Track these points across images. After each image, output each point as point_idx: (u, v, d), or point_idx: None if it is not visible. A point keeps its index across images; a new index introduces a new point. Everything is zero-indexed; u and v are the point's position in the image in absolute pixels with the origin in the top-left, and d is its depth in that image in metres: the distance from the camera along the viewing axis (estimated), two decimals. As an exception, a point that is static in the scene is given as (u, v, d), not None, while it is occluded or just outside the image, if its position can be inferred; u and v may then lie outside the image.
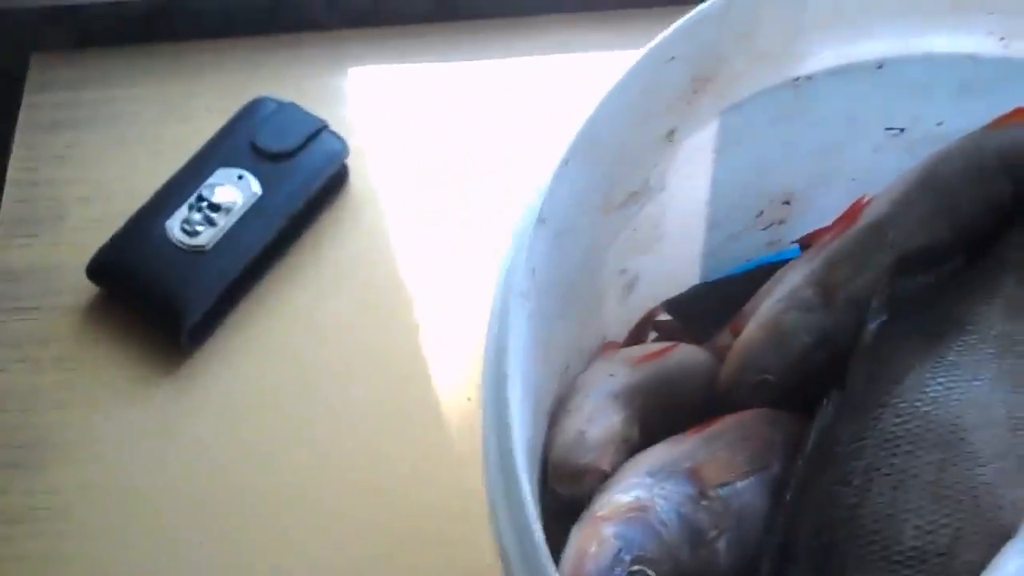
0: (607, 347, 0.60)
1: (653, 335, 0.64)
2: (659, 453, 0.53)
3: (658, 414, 0.57)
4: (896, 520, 0.50)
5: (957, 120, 0.58)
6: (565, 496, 0.51)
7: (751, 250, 0.64)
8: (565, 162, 0.45)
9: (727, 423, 0.56)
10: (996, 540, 0.49)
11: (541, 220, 0.43)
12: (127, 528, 0.71)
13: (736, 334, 0.60)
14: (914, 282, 0.57)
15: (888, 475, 0.51)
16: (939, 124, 0.59)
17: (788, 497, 0.52)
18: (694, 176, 0.57)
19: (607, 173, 0.49)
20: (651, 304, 0.62)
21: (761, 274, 0.62)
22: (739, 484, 0.53)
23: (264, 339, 0.77)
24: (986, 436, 0.51)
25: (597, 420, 0.53)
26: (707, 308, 0.64)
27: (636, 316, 0.62)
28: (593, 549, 0.48)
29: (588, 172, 0.47)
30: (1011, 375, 0.53)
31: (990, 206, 0.57)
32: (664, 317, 0.64)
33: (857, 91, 0.57)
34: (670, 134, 0.52)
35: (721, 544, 0.51)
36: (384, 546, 0.70)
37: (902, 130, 0.60)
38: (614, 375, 0.56)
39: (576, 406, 0.54)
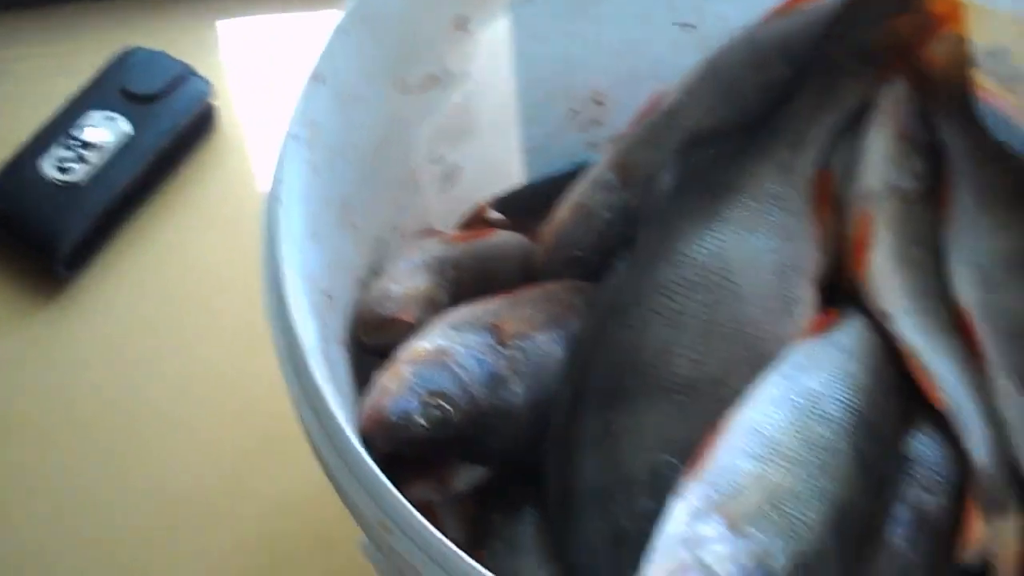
0: (428, 233, 0.65)
1: (487, 230, 0.69)
2: (464, 310, 0.58)
3: (472, 288, 0.62)
4: (671, 355, 0.55)
5: (738, 14, 0.64)
6: (371, 347, 0.56)
7: (572, 150, 0.70)
8: (342, 30, 0.50)
9: (534, 290, 0.61)
10: (758, 369, 0.54)
11: (317, 76, 0.49)
12: (9, 450, 0.75)
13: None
14: (700, 155, 0.63)
15: (664, 316, 0.56)
16: (722, 19, 0.65)
17: (579, 345, 0.57)
18: (498, 69, 0.62)
19: (394, 50, 0.54)
20: (476, 198, 0.67)
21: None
22: (538, 336, 0.57)
23: (137, 271, 0.82)
24: (754, 280, 0.57)
25: (404, 280, 0.58)
26: (533, 206, 0.69)
27: (462, 209, 0.66)
28: (392, 386, 0.52)
29: (371, 45, 0.52)
30: (780, 227, 0.59)
31: (770, 88, 0.63)
32: (494, 215, 0.69)
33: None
34: (462, 22, 0.57)
35: (518, 388, 0.55)
36: (247, 458, 0.74)
37: (693, 26, 0.66)
38: (426, 249, 0.61)
39: (387, 271, 0.59)
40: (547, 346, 0.58)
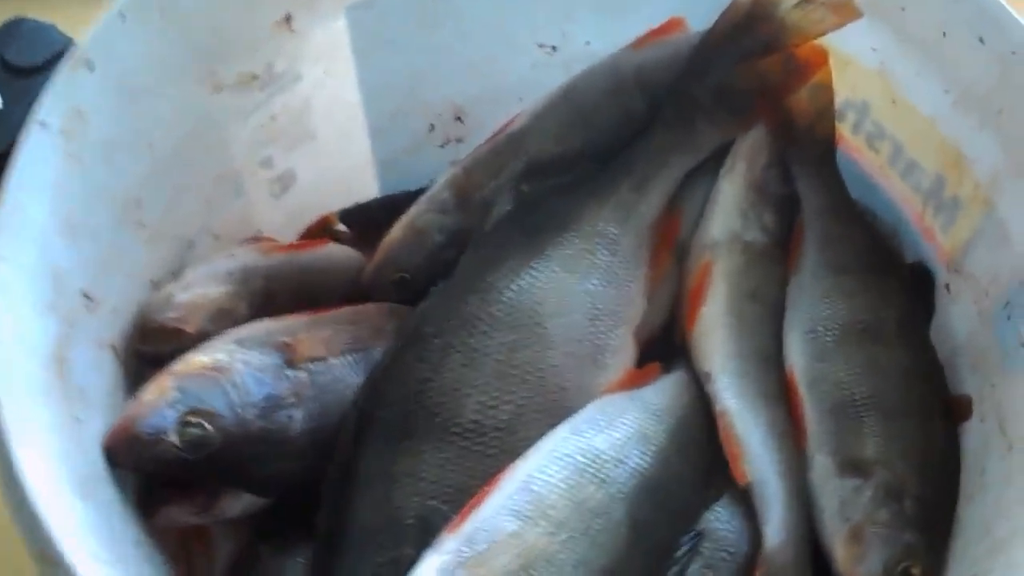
0: (255, 239, 0.61)
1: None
2: (258, 325, 0.54)
3: (288, 301, 0.58)
4: (461, 395, 0.51)
5: (603, 41, 0.60)
6: (147, 354, 0.53)
7: (433, 167, 0.66)
8: (120, 16, 0.47)
9: (344, 310, 0.57)
10: (556, 420, 0.50)
11: (82, 63, 0.45)
12: None
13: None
14: (542, 185, 0.59)
15: (460, 352, 0.52)
16: (587, 44, 0.62)
17: (375, 371, 0.53)
18: (337, 74, 0.59)
19: (199, 43, 0.51)
20: (316, 209, 0.64)
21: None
22: (331, 360, 0.54)
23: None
24: (563, 323, 0.53)
25: (193, 287, 0.54)
26: (383, 221, 0.65)
27: (299, 218, 0.63)
28: (150, 397, 0.49)
29: (165, 35, 0.49)
30: (605, 270, 0.55)
31: (625, 120, 0.59)
32: (340, 227, 0.66)
33: (502, 2, 0.59)
34: (286, 20, 0.54)
35: (299, 413, 0.52)
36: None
37: (554, 48, 0.62)
38: (235, 255, 0.57)
39: (183, 276, 0.55)
40: (341, 371, 0.54)
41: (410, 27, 0.59)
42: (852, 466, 0.51)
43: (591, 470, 0.48)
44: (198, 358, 0.51)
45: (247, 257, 0.58)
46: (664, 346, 0.57)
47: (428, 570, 0.45)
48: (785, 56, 0.57)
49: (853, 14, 0.54)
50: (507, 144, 0.60)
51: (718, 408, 0.52)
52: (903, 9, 0.53)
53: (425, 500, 0.49)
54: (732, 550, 0.50)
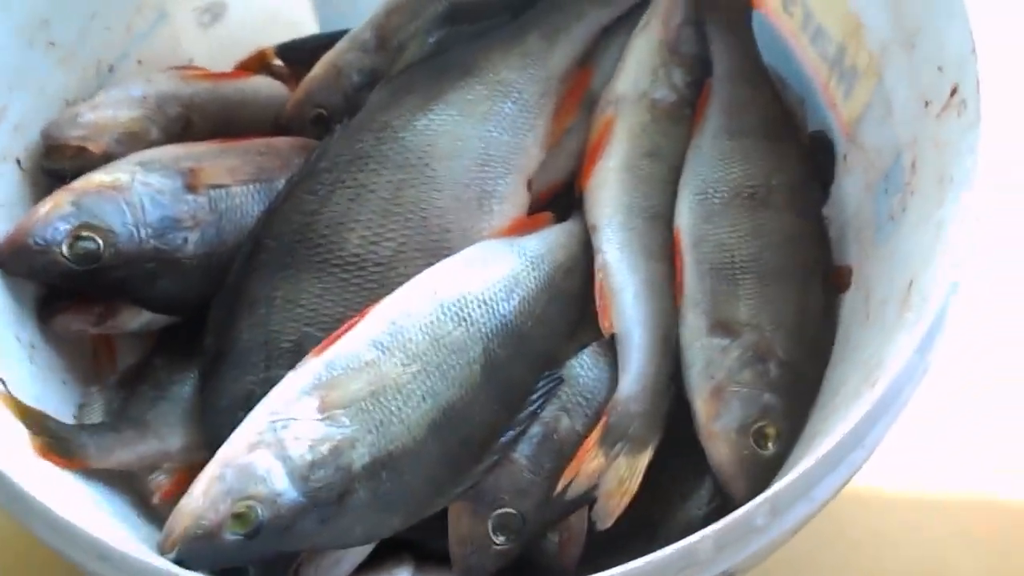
0: (186, 68, 0.62)
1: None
2: (166, 149, 0.56)
3: (206, 129, 0.59)
4: (345, 228, 0.53)
5: None
6: (51, 172, 0.54)
7: (370, 7, 0.66)
8: None
9: (255, 141, 0.58)
10: (436, 260, 0.52)
11: None
12: None
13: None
14: (457, 31, 0.59)
15: (349, 187, 0.53)
16: None
17: (273, 203, 0.55)
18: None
19: None
20: (251, 43, 0.64)
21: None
22: (233, 188, 0.55)
23: None
24: (452, 166, 0.54)
25: (103, 108, 0.56)
26: (319, 57, 0.66)
27: (231, 51, 0.64)
28: (45, 209, 0.51)
29: None
30: (503, 118, 0.55)
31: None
32: (277, 62, 0.66)
33: None
34: None
35: (194, 236, 0.53)
36: None
37: None
38: (152, 80, 0.59)
39: (95, 97, 0.57)
40: (242, 200, 0.56)
41: None
42: (722, 326, 0.52)
43: (454, 308, 0.50)
44: (98, 176, 0.53)
45: (166, 83, 0.59)
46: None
47: (285, 389, 0.47)
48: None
49: None
50: (427, -15, 0.60)
51: (598, 259, 0.53)
52: None
53: (302, 326, 0.51)
54: (589, 396, 0.51)
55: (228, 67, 0.64)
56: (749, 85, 0.57)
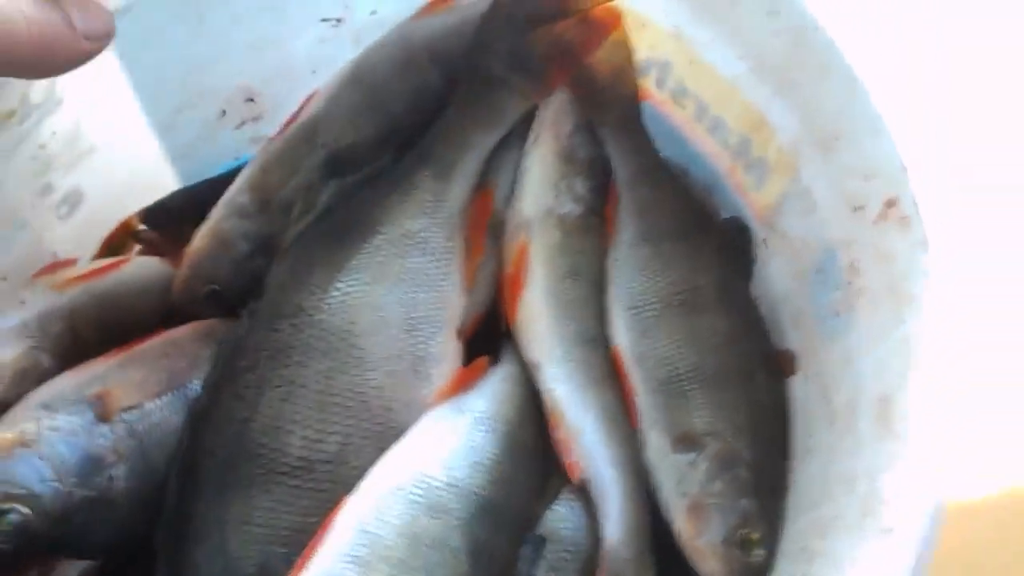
0: (54, 266, 0.57)
1: (137, 248, 0.62)
2: (63, 381, 0.52)
3: (96, 335, 0.55)
4: (283, 432, 0.50)
5: (390, 7, 0.57)
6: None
7: (233, 148, 0.62)
8: None
9: (154, 342, 0.54)
10: (386, 443, 0.49)
11: None
12: None
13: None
14: (342, 183, 0.56)
15: (278, 387, 0.50)
16: (373, 13, 0.58)
17: (195, 411, 0.51)
18: (106, 85, 0.54)
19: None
20: (111, 218, 0.60)
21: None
22: (148, 405, 0.52)
23: None
24: (379, 340, 0.51)
25: (-15, 353, 0.51)
26: (189, 213, 0.62)
27: (96, 231, 0.59)
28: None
29: None
30: (416, 274, 0.53)
31: (419, 99, 0.56)
32: (142, 228, 0.62)
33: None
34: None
35: (120, 471, 0.50)
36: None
37: (339, 20, 0.58)
38: (26, 302, 0.54)
39: (-30, 340, 0.52)
40: (160, 416, 0.52)
41: (176, 22, 0.54)
42: (684, 440, 0.52)
43: (423, 500, 0.47)
44: (2, 435, 0.49)
45: (41, 301, 0.54)
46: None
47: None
48: (581, 18, 0.54)
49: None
50: (300, 135, 0.57)
51: (546, 401, 0.52)
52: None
53: (263, 546, 0.48)
54: (574, 549, 0.50)
55: (94, 247, 0.60)
56: (652, 183, 0.55)
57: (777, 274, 0.53)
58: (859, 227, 0.46)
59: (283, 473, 0.49)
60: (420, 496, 0.47)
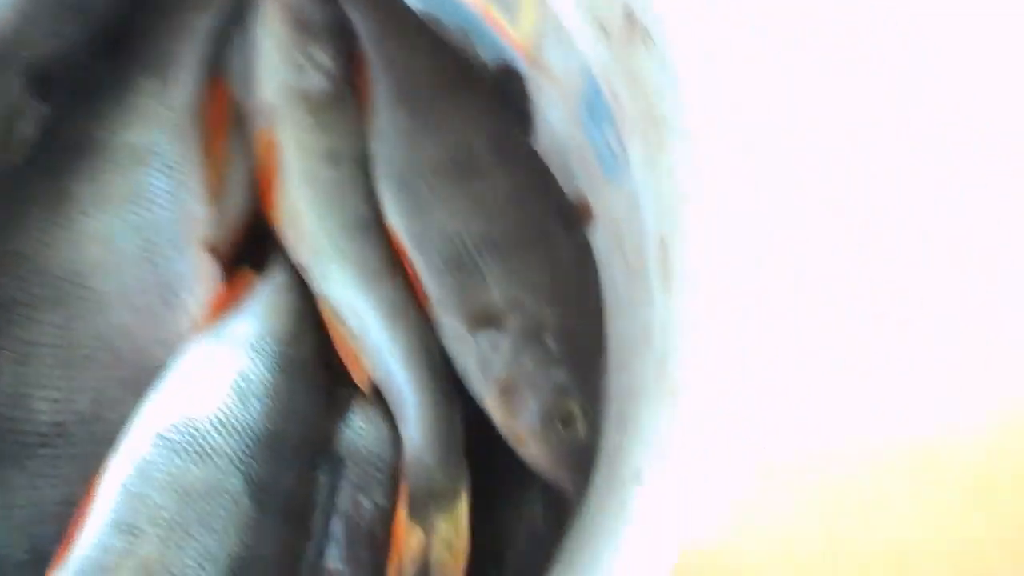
0: None
1: None
2: None
3: None
4: (27, 399, 0.44)
5: None
6: None
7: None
8: None
9: None
10: (144, 388, 0.44)
11: None
12: None
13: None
14: (53, 105, 0.49)
15: (14, 351, 0.44)
16: None
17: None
18: None
19: None
20: None
21: None
22: None
23: None
24: (115, 275, 0.45)
25: None
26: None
27: None
28: None
29: None
30: (143, 192, 0.46)
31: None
32: None
33: None
34: None
35: None
36: None
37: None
38: None
39: None
40: None
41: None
42: (481, 318, 0.46)
43: (190, 447, 0.42)
44: None
45: None
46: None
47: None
48: None
49: None
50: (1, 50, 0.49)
51: (322, 305, 0.46)
52: None
53: (32, 528, 0.43)
54: (377, 461, 0.45)
55: None
56: (404, 40, 0.49)
57: (553, 117, 0.47)
58: (609, 50, 0.40)
59: (34, 444, 0.43)
60: (186, 443, 0.42)
